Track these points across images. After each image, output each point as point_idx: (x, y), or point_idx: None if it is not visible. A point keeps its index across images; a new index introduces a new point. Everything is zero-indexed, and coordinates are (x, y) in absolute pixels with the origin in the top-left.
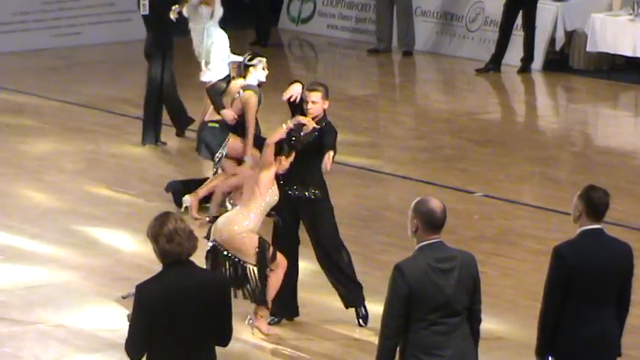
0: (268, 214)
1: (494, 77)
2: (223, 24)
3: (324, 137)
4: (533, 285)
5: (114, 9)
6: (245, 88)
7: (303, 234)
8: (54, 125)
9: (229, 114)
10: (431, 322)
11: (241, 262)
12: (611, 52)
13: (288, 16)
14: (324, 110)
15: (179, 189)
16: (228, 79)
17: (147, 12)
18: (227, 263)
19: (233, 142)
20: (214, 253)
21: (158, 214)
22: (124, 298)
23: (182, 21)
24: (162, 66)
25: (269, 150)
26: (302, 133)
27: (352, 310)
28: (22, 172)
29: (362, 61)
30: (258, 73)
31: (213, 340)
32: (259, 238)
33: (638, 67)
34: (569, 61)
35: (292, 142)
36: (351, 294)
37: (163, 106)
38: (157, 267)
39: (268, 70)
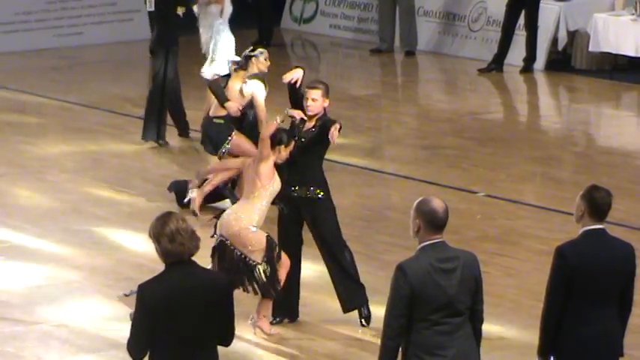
0: (273, 202)
1: (496, 77)
2: None
3: (323, 134)
4: (536, 285)
5: (116, 9)
6: (251, 76)
7: (306, 234)
8: (56, 125)
9: (234, 106)
10: (433, 322)
11: (248, 260)
12: (614, 52)
13: (290, 15)
14: (325, 109)
15: (182, 189)
16: (227, 78)
17: (152, 8)
18: (234, 259)
19: (237, 139)
20: (221, 249)
21: (160, 214)
22: (126, 296)
23: (189, 19)
24: (165, 62)
25: (264, 143)
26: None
27: (354, 310)
28: (24, 171)
29: (364, 60)
30: (260, 63)
31: (215, 340)
32: (267, 236)
33: None
34: (571, 61)
35: (292, 131)
36: (354, 294)
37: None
38: (159, 267)
39: (269, 70)
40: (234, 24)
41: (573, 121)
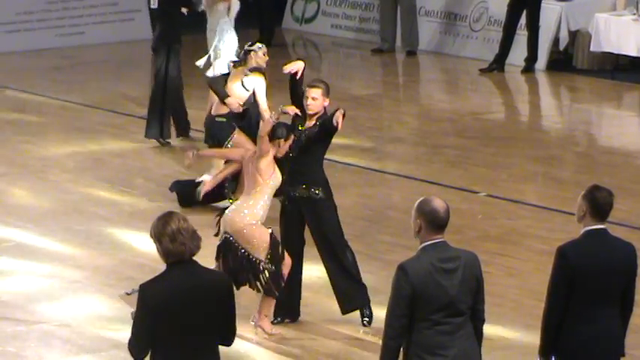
0: (275, 195)
1: (497, 77)
2: None
3: (323, 132)
4: (537, 285)
5: (117, 8)
6: (252, 70)
7: (307, 234)
8: (58, 125)
9: (234, 102)
10: (434, 321)
11: (251, 258)
12: (615, 52)
13: (292, 15)
14: (325, 108)
15: (183, 189)
16: (226, 77)
17: (156, 6)
18: (238, 256)
19: (238, 137)
20: (226, 246)
21: (161, 214)
22: (127, 294)
23: (193, 18)
24: (166, 60)
25: (263, 140)
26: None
27: (354, 311)
28: (26, 171)
29: (366, 60)
30: (259, 58)
31: (216, 340)
32: (271, 234)
33: None
34: (572, 60)
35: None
36: (355, 294)
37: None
38: (161, 267)
39: (268, 65)
40: (236, 24)
41: (575, 121)
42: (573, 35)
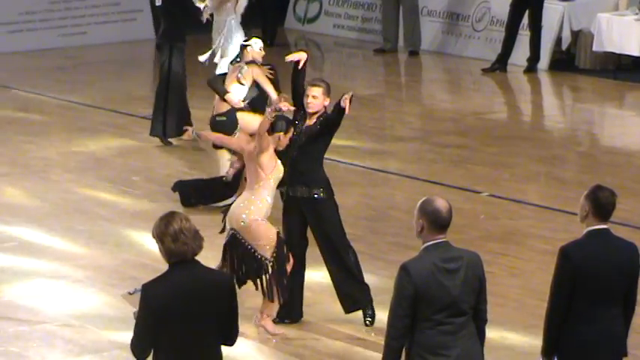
0: (277, 187)
1: (500, 77)
2: None
3: (324, 130)
4: (540, 285)
5: (119, 8)
6: (247, 63)
7: (309, 235)
8: (60, 125)
9: (234, 97)
10: (437, 321)
11: (257, 255)
12: (618, 51)
13: (294, 15)
14: (325, 107)
15: (185, 189)
16: (223, 77)
17: (160, 3)
18: (244, 252)
19: (241, 118)
20: (233, 242)
21: (163, 214)
22: (130, 294)
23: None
24: (169, 58)
25: (262, 137)
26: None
27: (357, 311)
28: (28, 171)
29: (368, 60)
30: (255, 53)
31: (219, 340)
32: (278, 232)
33: None
34: (575, 60)
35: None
36: (357, 294)
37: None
38: (163, 267)
39: (272, 70)
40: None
41: (577, 120)
42: (576, 35)
